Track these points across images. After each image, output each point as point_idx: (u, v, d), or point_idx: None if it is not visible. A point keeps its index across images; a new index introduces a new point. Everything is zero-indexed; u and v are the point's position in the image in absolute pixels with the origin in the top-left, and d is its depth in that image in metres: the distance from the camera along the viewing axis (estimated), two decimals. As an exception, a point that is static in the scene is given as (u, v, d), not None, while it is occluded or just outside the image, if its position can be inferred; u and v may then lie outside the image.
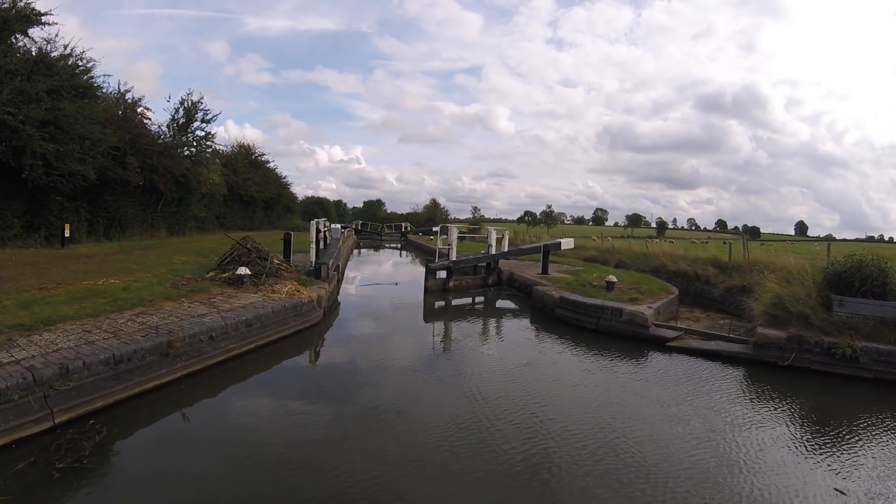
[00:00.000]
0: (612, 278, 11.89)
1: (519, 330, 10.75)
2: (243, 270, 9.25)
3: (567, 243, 16.80)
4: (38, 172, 12.57)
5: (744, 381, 7.64)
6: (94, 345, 5.84)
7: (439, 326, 10.96)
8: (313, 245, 11.73)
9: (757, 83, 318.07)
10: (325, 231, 15.56)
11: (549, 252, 15.27)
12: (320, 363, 7.78)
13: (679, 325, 10.39)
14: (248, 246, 10.22)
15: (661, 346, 9.24)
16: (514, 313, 12.55)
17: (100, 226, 17.32)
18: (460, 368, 7.60)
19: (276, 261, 10.36)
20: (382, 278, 18.19)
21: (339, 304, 12.52)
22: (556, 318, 10.97)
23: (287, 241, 12.69)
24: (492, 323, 11.57)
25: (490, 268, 15.47)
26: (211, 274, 9.74)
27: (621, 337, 9.69)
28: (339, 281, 14.70)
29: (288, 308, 8.34)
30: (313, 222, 12.15)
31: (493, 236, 15.55)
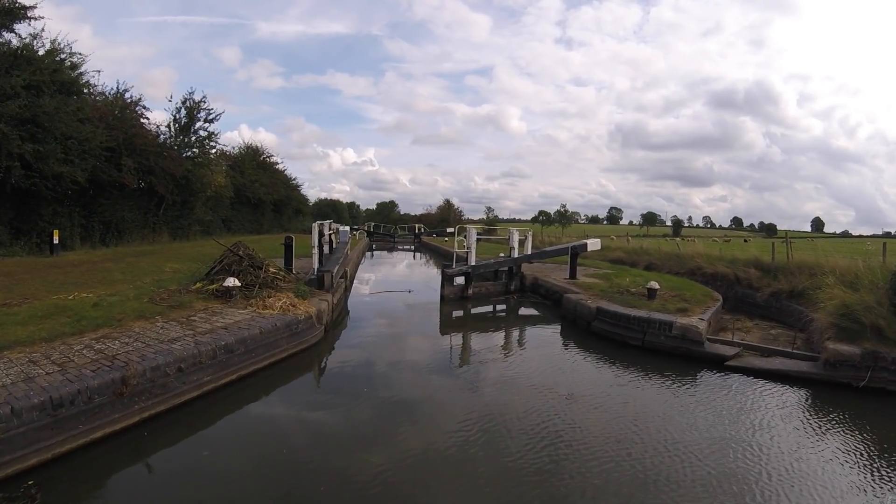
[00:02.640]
0: (655, 285, 10.45)
1: (551, 348, 9.30)
2: (231, 282, 7.98)
3: (594, 244, 15.33)
4: (17, 175, 11.50)
5: (815, 406, 6.44)
6: (34, 382, 4.66)
7: (459, 342, 9.63)
8: (315, 250, 10.43)
9: (768, 79, 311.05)
10: (330, 234, 14.28)
11: (577, 255, 13.80)
12: (315, 397, 6.38)
13: (735, 340, 8.95)
14: (240, 253, 8.94)
15: (718, 365, 7.89)
16: (543, 326, 11.09)
17: (95, 231, 16.33)
18: (486, 398, 6.31)
19: (271, 269, 9.08)
20: (395, 283, 16.92)
21: (349, 313, 11.38)
22: (593, 332, 9.57)
23: (288, 247, 11.47)
24: (520, 338, 10.17)
25: (512, 272, 14.05)
26: (198, 285, 8.52)
27: (671, 355, 8.33)
28: (347, 288, 13.48)
29: (280, 327, 7.04)
30: (315, 224, 10.85)
31: (516, 238, 14.10)
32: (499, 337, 10.06)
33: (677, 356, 8.27)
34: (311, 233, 11.31)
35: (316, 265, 10.43)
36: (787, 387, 7.03)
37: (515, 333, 10.52)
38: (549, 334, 10.29)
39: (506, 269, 13.95)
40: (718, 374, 7.53)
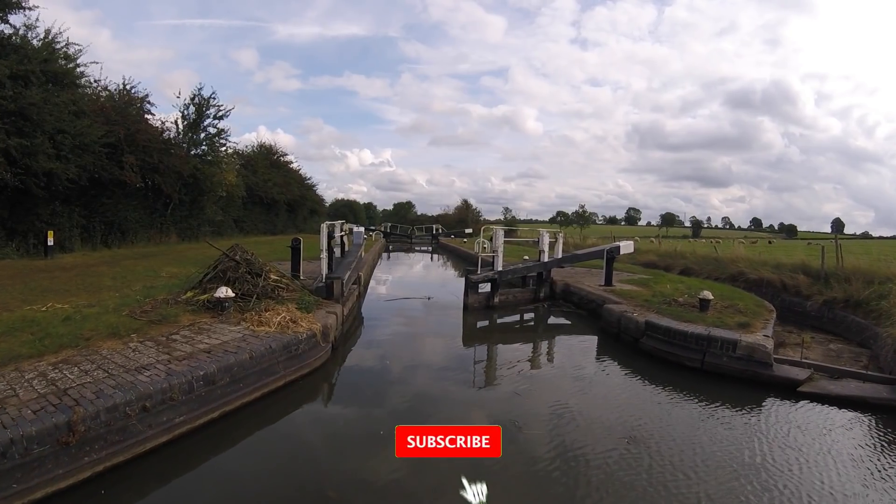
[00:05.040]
0: (708, 295, 9.11)
1: (592, 369, 7.95)
2: (224, 292, 6.84)
3: (626, 246, 13.99)
4: (1, 172, 10.59)
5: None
6: (-42, 427, 3.61)
7: (484, 356, 8.45)
8: (324, 254, 9.28)
9: (785, 78, 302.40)
10: (342, 235, 13.16)
11: (613, 259, 12.45)
12: (315, 440, 5.14)
13: (805, 360, 7.63)
14: (237, 257, 7.85)
15: (788, 391, 6.61)
16: (580, 340, 9.76)
17: (96, 232, 15.46)
18: (519, 433, 5.12)
19: (272, 277, 7.97)
20: (413, 287, 15.73)
21: (363, 321, 10.36)
22: (641, 350, 8.28)
23: (295, 249, 10.38)
24: (555, 355, 8.94)
25: (542, 278, 12.78)
26: (188, 294, 7.46)
27: (735, 378, 7.04)
28: (362, 294, 12.38)
29: (276, 349, 5.86)
30: (324, 225, 9.70)
31: (546, 240, 12.74)
32: (530, 352, 8.85)
33: (742, 380, 6.99)
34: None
35: (324, 271, 9.29)
36: (860, 414, 6.03)
37: (550, 349, 9.29)
38: (588, 351, 9.01)
39: (534, 274, 12.68)
40: (787, 402, 6.37)
